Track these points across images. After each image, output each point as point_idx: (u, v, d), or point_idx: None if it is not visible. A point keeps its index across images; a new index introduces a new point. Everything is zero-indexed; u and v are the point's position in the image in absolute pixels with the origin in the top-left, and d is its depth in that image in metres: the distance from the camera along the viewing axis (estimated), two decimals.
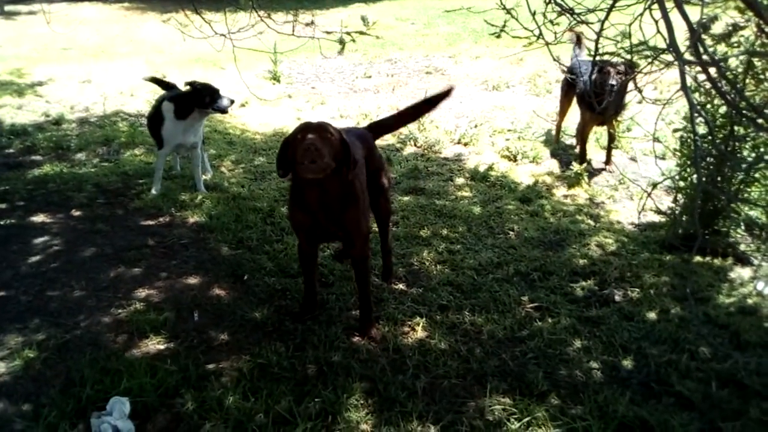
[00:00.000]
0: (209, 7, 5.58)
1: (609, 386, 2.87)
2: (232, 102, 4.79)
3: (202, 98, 4.65)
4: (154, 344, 3.11)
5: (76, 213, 4.57)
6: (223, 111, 4.81)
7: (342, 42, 4.10)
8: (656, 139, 3.19)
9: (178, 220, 4.51)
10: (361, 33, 3.64)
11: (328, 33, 3.73)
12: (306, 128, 2.80)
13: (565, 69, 5.58)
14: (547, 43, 3.23)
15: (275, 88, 8.70)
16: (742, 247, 4.17)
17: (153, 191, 4.91)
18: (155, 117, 4.86)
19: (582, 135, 5.74)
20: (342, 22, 4.97)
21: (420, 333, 3.27)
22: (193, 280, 3.73)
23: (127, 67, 9.59)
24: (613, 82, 4.99)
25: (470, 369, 2.99)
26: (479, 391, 2.84)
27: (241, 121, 7.25)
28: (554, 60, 4.07)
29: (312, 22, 3.91)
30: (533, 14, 3.15)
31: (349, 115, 7.34)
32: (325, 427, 2.59)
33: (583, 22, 3.06)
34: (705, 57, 2.24)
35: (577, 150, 5.92)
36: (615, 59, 4.65)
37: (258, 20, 3.72)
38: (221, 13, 3.93)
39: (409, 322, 3.35)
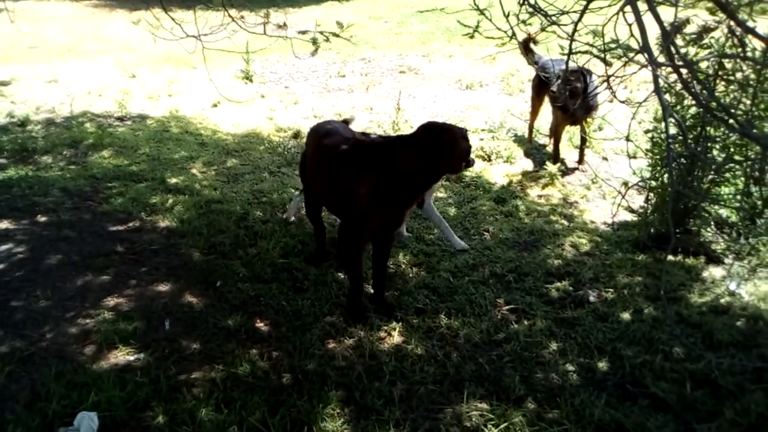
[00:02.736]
0: (179, 5, 5.47)
1: (585, 389, 2.87)
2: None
3: None
4: (124, 355, 3.03)
5: (41, 219, 4.44)
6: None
7: (315, 42, 4.04)
8: (628, 139, 3.20)
9: (148, 225, 4.41)
10: (335, 35, 3.59)
11: (302, 33, 3.68)
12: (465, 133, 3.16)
13: (538, 66, 5.60)
14: (520, 44, 3.22)
15: (248, 87, 8.57)
16: (713, 246, 4.22)
17: (462, 244, 4.21)
18: None
19: (555, 134, 5.77)
20: (316, 22, 4.91)
21: (396, 338, 3.24)
22: (163, 288, 3.65)
23: (95, 67, 9.39)
24: (578, 84, 5.04)
25: (447, 374, 2.97)
26: (456, 396, 2.82)
27: (212, 121, 7.12)
28: (527, 60, 4.08)
29: (284, 24, 3.84)
30: (507, 16, 3.14)
31: (323, 115, 7.26)
32: None
33: (555, 23, 3.05)
34: (677, 59, 2.25)
35: (550, 149, 5.95)
36: (579, 61, 4.68)
37: (230, 21, 3.64)
38: (192, 11, 3.84)
39: (386, 327, 3.32)
